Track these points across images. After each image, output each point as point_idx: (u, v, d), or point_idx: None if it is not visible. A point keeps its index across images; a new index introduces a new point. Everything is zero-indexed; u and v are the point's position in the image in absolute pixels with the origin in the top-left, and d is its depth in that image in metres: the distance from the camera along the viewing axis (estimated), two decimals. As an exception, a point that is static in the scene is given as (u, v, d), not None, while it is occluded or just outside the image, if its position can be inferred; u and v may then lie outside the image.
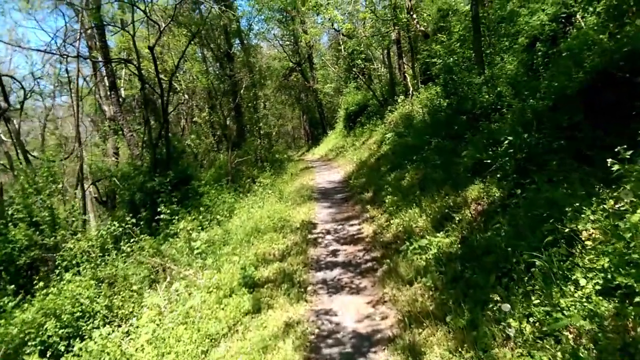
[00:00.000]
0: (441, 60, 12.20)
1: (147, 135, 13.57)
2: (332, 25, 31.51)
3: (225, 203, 12.57)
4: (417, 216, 6.74)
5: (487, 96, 9.08)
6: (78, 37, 17.61)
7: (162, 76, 22.38)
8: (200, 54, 26.37)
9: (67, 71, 23.46)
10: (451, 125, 9.30)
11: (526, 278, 3.72)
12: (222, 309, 5.71)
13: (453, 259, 4.95)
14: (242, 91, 22.57)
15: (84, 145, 35.69)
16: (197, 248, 7.96)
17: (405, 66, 20.50)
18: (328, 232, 8.00)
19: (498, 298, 3.73)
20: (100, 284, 7.10)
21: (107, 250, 8.48)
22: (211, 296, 6.13)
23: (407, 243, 5.83)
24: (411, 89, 15.43)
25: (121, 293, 6.89)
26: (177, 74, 25.31)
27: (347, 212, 9.40)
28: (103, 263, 7.82)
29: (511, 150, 5.88)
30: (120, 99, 23.83)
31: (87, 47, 20.11)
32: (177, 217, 9.83)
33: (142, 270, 7.53)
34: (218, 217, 10.32)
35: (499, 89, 9.06)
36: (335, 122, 30.01)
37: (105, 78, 17.84)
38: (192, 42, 23.66)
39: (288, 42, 35.45)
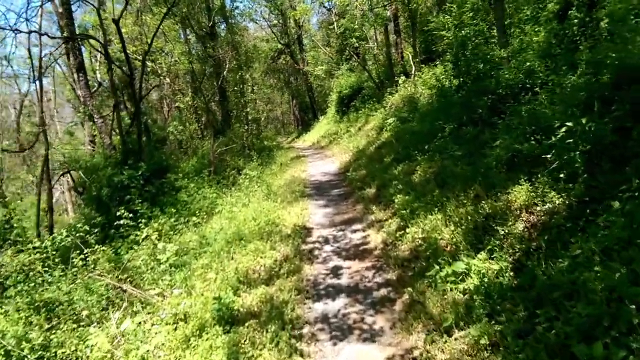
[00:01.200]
0: (451, 34, 10.67)
1: (117, 121, 11.88)
2: (323, 3, 29.73)
3: (206, 199, 11.02)
4: (440, 224, 5.28)
5: (513, 73, 7.59)
6: (40, 12, 15.81)
7: (137, 56, 20.55)
8: (182, 35, 24.52)
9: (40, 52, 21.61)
10: (469, 109, 7.79)
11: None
12: (189, 353, 4.25)
13: (508, 297, 3.50)
14: (226, 73, 20.85)
15: (59, 133, 33.68)
16: (165, 261, 6.44)
17: (404, 44, 18.90)
18: (326, 241, 6.51)
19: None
20: (36, 314, 5.57)
21: (56, 263, 6.92)
22: (176, 333, 4.65)
23: (436, 266, 4.36)
24: (413, 68, 13.88)
25: (62, 325, 5.36)
26: (158, 56, 23.52)
27: (347, 212, 7.91)
28: (45, 283, 6.27)
29: (570, 141, 4.42)
30: (97, 83, 22.04)
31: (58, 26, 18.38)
32: (144, 220, 8.26)
33: (94, 293, 6.00)
34: (194, 218, 8.75)
35: (527, 64, 7.58)
36: (327, 107, 28.38)
37: (72, 58, 16.06)
38: (173, 21, 21.85)
39: (276, 22, 33.47)
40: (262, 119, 49.03)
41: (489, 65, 8.36)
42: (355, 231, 6.72)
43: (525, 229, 4.14)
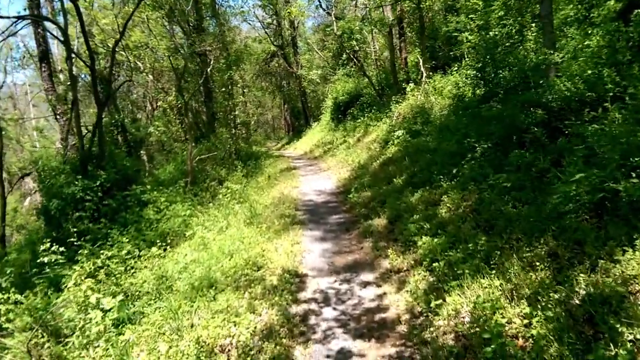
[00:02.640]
0: (474, 36, 9.08)
1: (75, 121, 9.98)
2: (320, 5, 28.11)
3: (177, 217, 9.20)
4: (502, 297, 3.56)
5: (569, 83, 5.95)
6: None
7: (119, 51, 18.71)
8: (168, 30, 22.65)
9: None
10: (510, 126, 6.12)
11: None
12: None
13: None
14: (212, 71, 19.06)
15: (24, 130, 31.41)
16: (100, 321, 4.61)
17: (408, 48, 17.27)
18: (326, 300, 4.72)
19: None
20: None
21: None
22: None
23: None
24: (424, 74, 12.23)
25: None
26: (141, 51, 21.67)
27: (351, 252, 6.14)
28: None
29: None
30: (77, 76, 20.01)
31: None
32: (85, 251, 6.41)
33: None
34: (154, 249, 6.93)
35: (588, 72, 5.96)
36: (321, 113, 26.64)
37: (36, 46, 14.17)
38: (159, 14, 19.98)
39: (270, 21, 31.79)
40: (252, 122, 47.31)
41: (535, 72, 6.71)
42: (365, 285, 4.95)
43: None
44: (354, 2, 27.99)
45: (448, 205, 5.75)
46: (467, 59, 9.97)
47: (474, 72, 9.03)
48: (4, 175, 16.84)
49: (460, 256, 4.44)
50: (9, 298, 4.98)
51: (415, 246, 5.25)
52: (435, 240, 5.03)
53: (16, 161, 24.80)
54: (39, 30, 13.16)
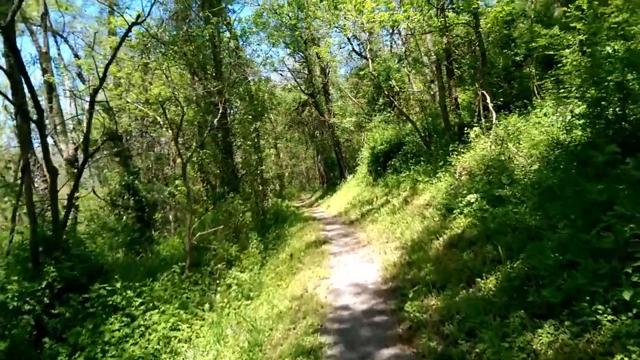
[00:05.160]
0: (574, 56, 6.12)
1: (25, 193, 7.44)
2: (353, 48, 26.02)
3: (154, 334, 6.34)
4: None
5: None
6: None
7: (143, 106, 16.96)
8: (189, 82, 20.86)
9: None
10: None
11: None
12: None
13: None
14: (231, 122, 16.82)
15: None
16: None
17: (452, 89, 14.36)
18: None
19: None
20: None
21: None
22: None
23: None
24: (494, 115, 9.21)
25: None
26: (159, 104, 19.89)
27: None
28: None
29: None
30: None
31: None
32: None
33: None
34: None
35: None
36: (357, 165, 23.83)
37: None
38: (178, 63, 18.18)
39: (299, 68, 29.99)
40: (286, 174, 45.16)
41: None
42: None
43: None
44: (389, 41, 25.80)
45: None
46: (565, 89, 6.94)
47: (584, 106, 6.04)
48: None
49: None
50: None
51: None
52: None
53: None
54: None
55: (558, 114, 7.65)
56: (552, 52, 6.96)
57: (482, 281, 5.02)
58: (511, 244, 5.33)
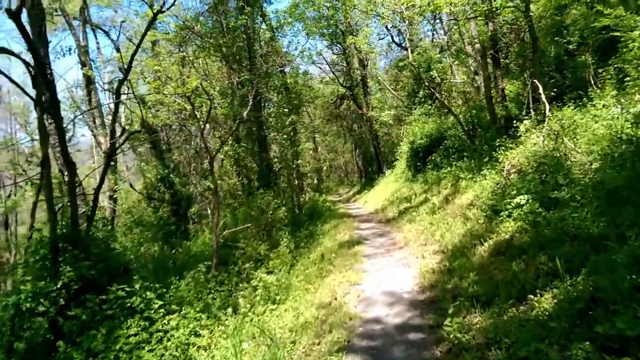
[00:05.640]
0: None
1: (46, 188, 7.24)
2: (393, 40, 25.12)
3: (172, 340, 6.01)
4: None
5: None
6: None
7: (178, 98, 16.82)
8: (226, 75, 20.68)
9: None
10: None
11: None
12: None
13: None
14: (266, 116, 16.45)
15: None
16: None
17: (499, 79, 13.33)
18: None
19: None
20: None
21: None
22: None
23: None
24: (547, 107, 8.30)
25: None
26: (200, 98, 19.81)
27: None
28: None
29: None
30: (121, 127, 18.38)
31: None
32: None
33: None
34: None
35: None
36: (395, 159, 23.00)
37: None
38: (215, 57, 17.91)
39: (337, 54, 29.35)
40: (325, 168, 44.68)
41: None
42: None
43: None
44: (430, 31, 24.74)
45: None
46: (631, 77, 6.04)
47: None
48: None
49: None
50: None
51: None
52: None
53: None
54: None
55: (621, 106, 6.74)
56: (617, 34, 6.04)
57: (536, 299, 4.32)
58: (570, 255, 4.59)
